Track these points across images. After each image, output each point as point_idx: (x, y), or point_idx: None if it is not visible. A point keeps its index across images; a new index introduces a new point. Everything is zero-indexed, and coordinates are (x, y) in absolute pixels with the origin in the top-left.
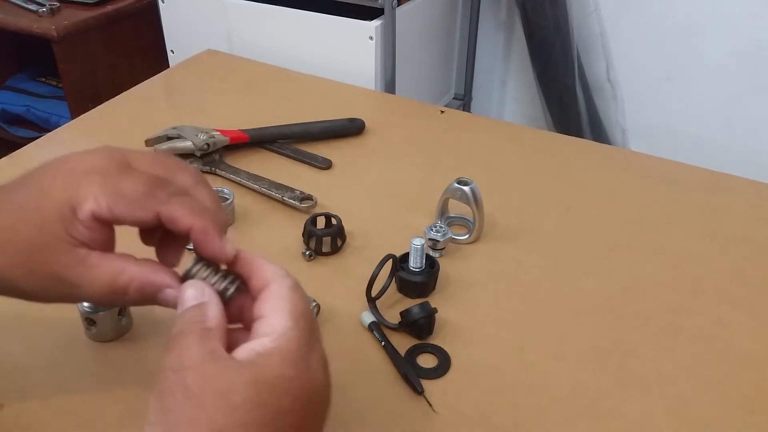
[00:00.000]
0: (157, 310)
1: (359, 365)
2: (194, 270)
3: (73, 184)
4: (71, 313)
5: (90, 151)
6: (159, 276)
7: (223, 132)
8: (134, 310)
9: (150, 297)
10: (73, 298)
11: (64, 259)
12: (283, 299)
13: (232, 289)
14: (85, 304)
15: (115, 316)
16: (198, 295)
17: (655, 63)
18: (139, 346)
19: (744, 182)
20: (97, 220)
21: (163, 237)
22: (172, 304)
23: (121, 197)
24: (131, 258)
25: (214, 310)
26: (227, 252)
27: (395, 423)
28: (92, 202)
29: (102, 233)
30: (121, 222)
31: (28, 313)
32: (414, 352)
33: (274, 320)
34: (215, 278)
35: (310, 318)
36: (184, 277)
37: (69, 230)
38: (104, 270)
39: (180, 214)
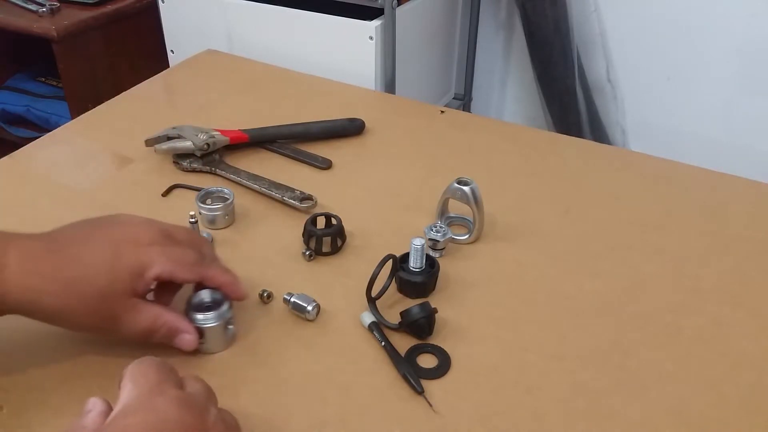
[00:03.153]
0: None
1: (359, 365)
2: (195, 300)
3: (142, 253)
4: None
5: (138, 222)
6: (183, 324)
7: (223, 132)
8: None
9: (171, 338)
10: (110, 333)
11: (124, 304)
12: (124, 378)
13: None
14: (198, 315)
15: (224, 328)
16: (89, 407)
17: (655, 63)
18: (134, 345)
19: (744, 182)
20: (156, 278)
21: (162, 285)
22: (185, 346)
23: (180, 263)
24: (162, 306)
25: (93, 414)
26: (246, 294)
27: (395, 423)
28: (158, 266)
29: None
30: (173, 280)
31: None
32: (414, 352)
33: (120, 396)
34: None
35: (152, 374)
36: (188, 306)
37: (135, 285)
38: (147, 314)
39: (217, 275)
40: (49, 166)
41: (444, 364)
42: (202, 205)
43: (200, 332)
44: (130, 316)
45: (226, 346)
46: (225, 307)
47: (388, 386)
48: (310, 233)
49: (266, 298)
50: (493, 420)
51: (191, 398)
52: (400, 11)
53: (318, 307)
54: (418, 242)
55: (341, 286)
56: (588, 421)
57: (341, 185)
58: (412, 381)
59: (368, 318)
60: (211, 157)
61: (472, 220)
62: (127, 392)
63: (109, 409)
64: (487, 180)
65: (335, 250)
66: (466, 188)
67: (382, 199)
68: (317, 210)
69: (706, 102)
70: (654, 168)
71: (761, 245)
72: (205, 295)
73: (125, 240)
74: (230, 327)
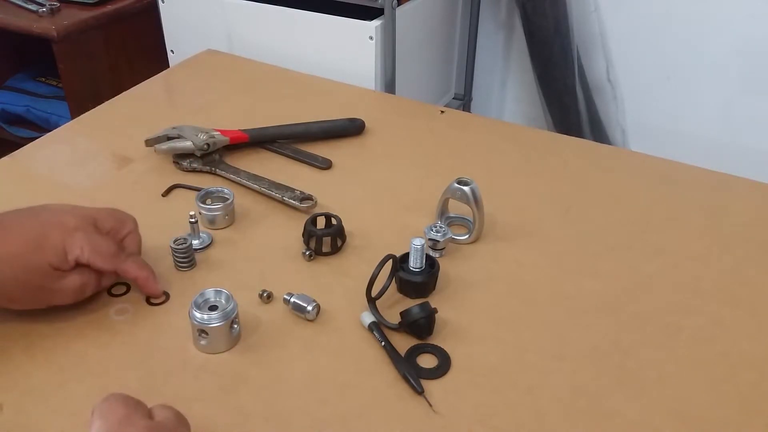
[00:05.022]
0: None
1: (359, 365)
2: (200, 299)
3: (67, 236)
4: (72, 313)
5: (66, 209)
6: (106, 280)
7: (223, 132)
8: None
9: (99, 285)
10: (43, 303)
11: (50, 276)
12: (93, 416)
13: None
14: (198, 316)
15: (229, 328)
16: None
17: (655, 63)
18: (134, 346)
19: (744, 182)
20: (76, 262)
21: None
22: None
23: (98, 253)
24: (87, 269)
25: None
26: (160, 292)
27: (395, 423)
28: (78, 251)
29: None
30: (91, 267)
31: (28, 315)
32: (414, 352)
33: None
34: None
35: (120, 408)
36: (193, 305)
37: (59, 264)
38: (72, 276)
39: (131, 269)
40: (49, 166)
41: (444, 364)
42: (202, 205)
43: (205, 332)
44: (58, 284)
45: (231, 345)
46: (230, 306)
47: (388, 386)
48: (310, 233)
49: (266, 298)
50: (493, 420)
51: (161, 426)
52: (400, 11)
53: (318, 307)
54: (418, 242)
55: (341, 286)
56: (588, 421)
57: (341, 185)
58: (412, 381)
59: (368, 318)
60: (211, 157)
61: (472, 220)
62: (96, 429)
63: None
64: (487, 180)
65: (335, 250)
66: (466, 188)
67: (382, 199)
68: (317, 210)
69: (706, 102)
70: (654, 168)
71: (761, 245)
72: (209, 295)
73: (52, 224)
74: (235, 326)
